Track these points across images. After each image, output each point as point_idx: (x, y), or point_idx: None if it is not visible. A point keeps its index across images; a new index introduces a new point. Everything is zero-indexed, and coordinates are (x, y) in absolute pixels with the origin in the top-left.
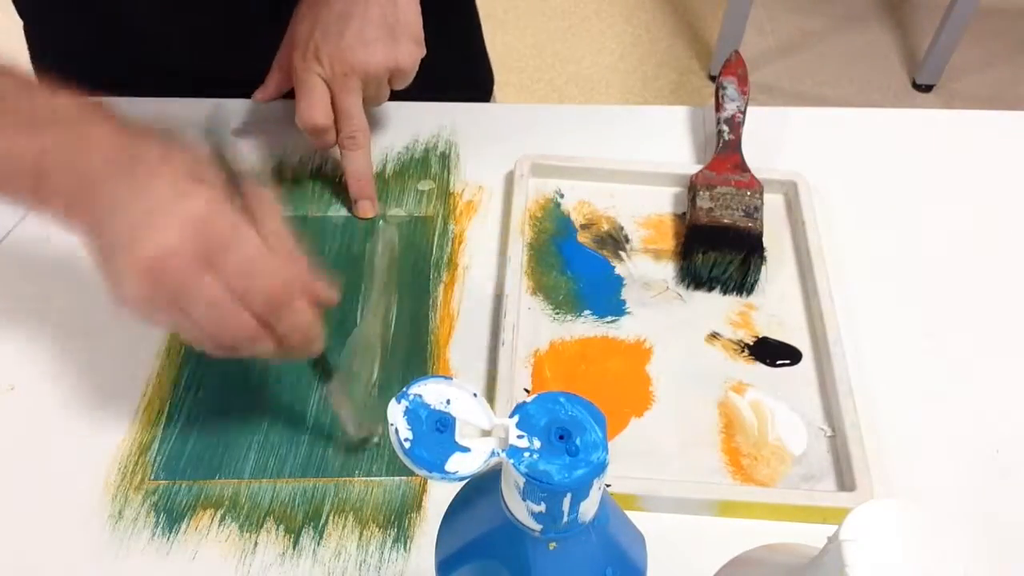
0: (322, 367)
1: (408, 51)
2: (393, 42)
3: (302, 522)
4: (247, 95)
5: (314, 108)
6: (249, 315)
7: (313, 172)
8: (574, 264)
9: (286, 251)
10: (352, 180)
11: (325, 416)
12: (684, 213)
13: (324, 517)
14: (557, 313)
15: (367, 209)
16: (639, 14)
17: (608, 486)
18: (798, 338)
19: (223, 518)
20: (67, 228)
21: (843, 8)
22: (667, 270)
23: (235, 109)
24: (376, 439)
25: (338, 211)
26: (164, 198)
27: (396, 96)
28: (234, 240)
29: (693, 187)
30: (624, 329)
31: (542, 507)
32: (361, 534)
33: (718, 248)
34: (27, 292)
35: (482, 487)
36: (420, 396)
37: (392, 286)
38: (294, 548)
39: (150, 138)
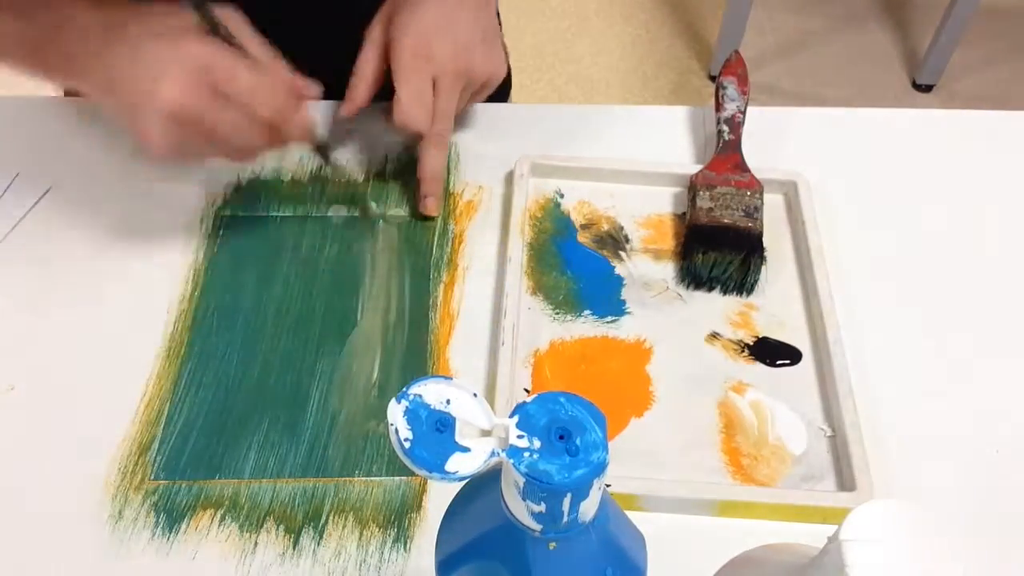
0: (321, 151)
1: (501, 59)
2: (493, 49)
3: (302, 522)
4: None
5: (424, 112)
6: (262, 126)
7: (313, 172)
8: (574, 264)
9: (272, 67)
10: (426, 178)
11: (325, 416)
12: (684, 213)
13: (324, 517)
14: (557, 313)
15: (434, 206)
16: (639, 14)
17: (608, 486)
18: (798, 338)
19: (223, 518)
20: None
21: (843, 8)
22: (667, 270)
23: None
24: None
25: (338, 211)
26: (160, 53)
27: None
28: (233, 72)
29: (693, 187)
30: (624, 329)
31: (542, 507)
32: (361, 534)
33: (718, 248)
34: (27, 292)
35: (482, 487)
36: (420, 396)
37: (392, 286)
38: (294, 548)
39: (123, 7)
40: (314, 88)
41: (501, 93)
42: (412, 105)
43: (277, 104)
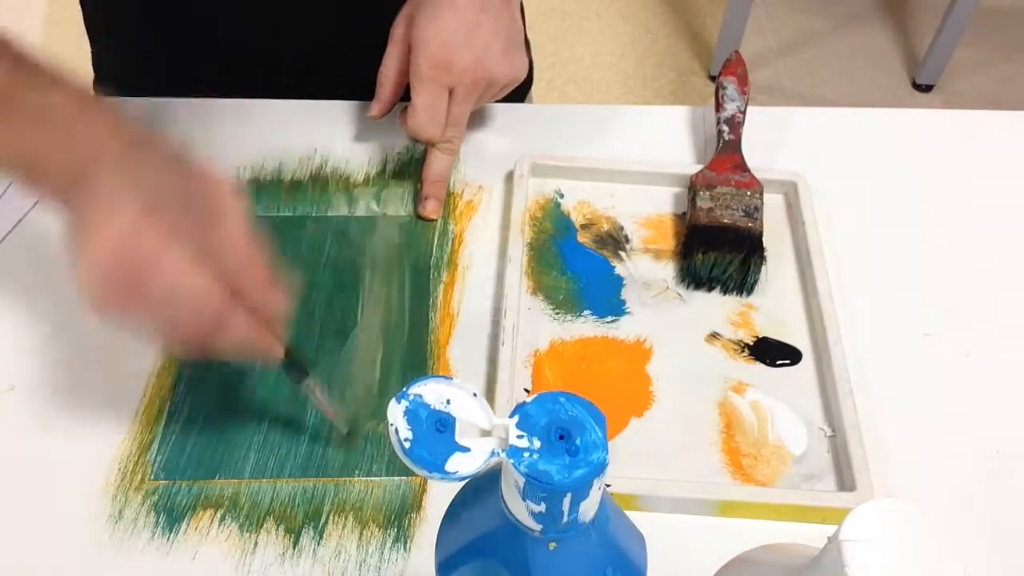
0: (291, 369)
1: (523, 62)
2: (514, 52)
3: (302, 522)
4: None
5: (436, 123)
6: (182, 337)
7: (313, 172)
8: (574, 264)
9: (241, 254)
10: (430, 180)
11: (325, 416)
12: (684, 213)
13: (324, 517)
14: (557, 313)
15: (435, 209)
16: (639, 14)
17: (608, 486)
18: (798, 338)
19: (223, 518)
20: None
21: (843, 8)
22: (667, 270)
23: (237, 109)
24: (366, 431)
25: (338, 211)
26: (95, 216)
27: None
28: (155, 265)
29: (693, 187)
30: (624, 329)
31: (542, 507)
32: (361, 534)
33: (718, 248)
34: (27, 291)
35: (482, 487)
36: (420, 396)
37: (392, 286)
38: (294, 548)
39: (105, 144)
40: (284, 302)
41: (520, 92)
42: (425, 115)
43: (201, 320)
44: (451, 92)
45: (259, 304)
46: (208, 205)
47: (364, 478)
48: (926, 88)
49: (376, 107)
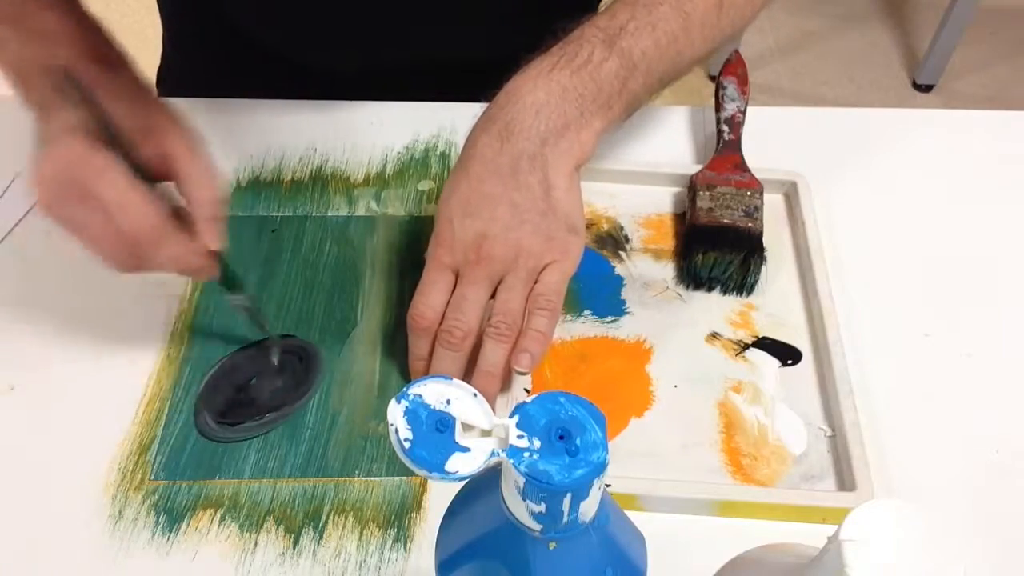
0: (225, 282)
1: (567, 240)
2: (554, 229)
3: (302, 522)
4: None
5: (429, 304)
6: (118, 247)
7: (313, 172)
8: None
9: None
10: (478, 370)
11: (325, 416)
12: (684, 213)
13: (324, 517)
14: None
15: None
16: None
17: (608, 486)
18: (798, 338)
19: (223, 518)
20: None
21: (843, 8)
22: (667, 270)
23: (237, 109)
24: (366, 430)
25: (338, 211)
26: (54, 132)
27: (398, 95)
28: (101, 178)
29: (693, 187)
30: (624, 329)
31: (542, 507)
32: (361, 534)
33: (718, 248)
34: (27, 292)
35: (482, 487)
36: (420, 396)
37: (392, 286)
38: (294, 548)
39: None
40: (215, 239)
41: None
42: (418, 296)
43: (137, 239)
44: (458, 275)
45: (200, 219)
46: (158, 136)
47: (364, 478)
48: (926, 88)
49: None
